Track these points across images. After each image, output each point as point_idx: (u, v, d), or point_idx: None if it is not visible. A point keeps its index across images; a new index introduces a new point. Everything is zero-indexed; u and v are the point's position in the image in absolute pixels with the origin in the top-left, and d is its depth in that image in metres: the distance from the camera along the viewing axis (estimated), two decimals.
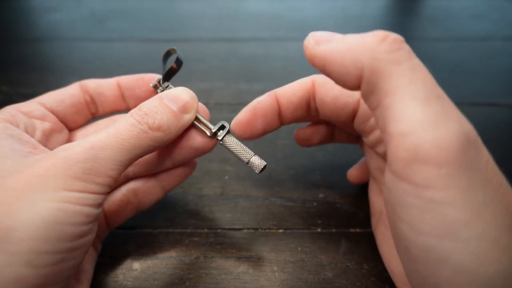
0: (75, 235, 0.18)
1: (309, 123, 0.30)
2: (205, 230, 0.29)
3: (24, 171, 0.18)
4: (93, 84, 0.27)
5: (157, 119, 0.21)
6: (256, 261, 0.27)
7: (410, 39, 0.62)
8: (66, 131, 0.26)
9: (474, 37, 0.56)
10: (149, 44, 0.54)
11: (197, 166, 0.28)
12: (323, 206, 0.31)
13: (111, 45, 0.54)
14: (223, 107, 0.42)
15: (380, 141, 0.25)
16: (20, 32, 0.58)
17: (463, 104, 0.42)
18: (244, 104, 0.26)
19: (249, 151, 0.24)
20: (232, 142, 0.24)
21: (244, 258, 0.27)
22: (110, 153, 0.19)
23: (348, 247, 0.28)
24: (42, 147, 0.22)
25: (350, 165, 0.32)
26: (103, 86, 0.27)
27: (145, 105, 0.22)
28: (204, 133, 0.24)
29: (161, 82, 0.25)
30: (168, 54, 0.25)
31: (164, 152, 0.25)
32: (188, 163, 0.27)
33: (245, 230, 0.29)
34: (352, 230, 0.29)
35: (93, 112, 0.27)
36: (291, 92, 0.26)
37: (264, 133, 0.26)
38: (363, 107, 0.25)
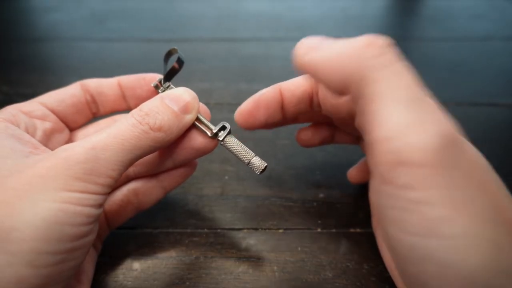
0: (76, 235, 0.18)
1: (310, 123, 0.30)
2: (205, 230, 0.29)
3: (25, 171, 0.18)
4: (94, 84, 0.27)
5: (158, 120, 0.21)
6: (256, 261, 0.27)
7: (410, 39, 0.62)
8: (67, 131, 0.26)
9: (474, 37, 0.56)
10: (149, 44, 0.54)
11: (197, 166, 0.28)
12: (323, 206, 0.31)
13: (111, 45, 0.54)
14: (223, 107, 0.42)
15: None
16: (20, 32, 0.58)
17: (463, 104, 0.42)
18: None
19: (250, 152, 0.24)
20: (233, 143, 0.24)
21: (244, 258, 0.27)
22: (111, 154, 0.19)
23: (348, 247, 0.28)
24: (43, 147, 0.22)
25: (350, 165, 0.32)
26: (104, 86, 0.27)
27: (146, 106, 0.22)
28: (205, 133, 0.24)
29: (162, 82, 0.25)
30: (169, 54, 0.25)
31: (165, 153, 0.25)
32: (189, 163, 0.27)
33: (245, 230, 0.29)
34: (352, 230, 0.29)
35: (94, 112, 0.27)
36: (295, 85, 0.26)
37: (265, 124, 0.27)
38: None
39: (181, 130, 0.23)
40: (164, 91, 0.25)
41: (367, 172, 0.30)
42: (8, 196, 0.17)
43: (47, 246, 0.17)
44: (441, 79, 0.47)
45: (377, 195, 0.18)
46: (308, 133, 0.30)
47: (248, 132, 0.28)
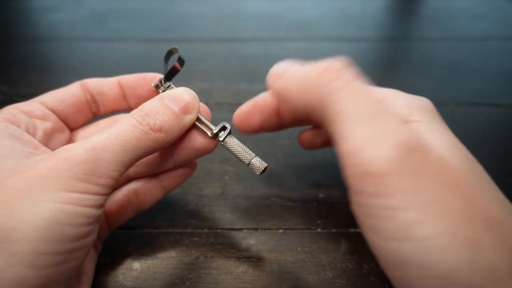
0: (76, 236, 0.18)
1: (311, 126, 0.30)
2: (205, 230, 0.29)
3: (26, 171, 0.18)
4: (94, 84, 0.26)
5: (159, 120, 0.21)
6: (256, 261, 0.27)
7: (410, 39, 0.62)
8: (67, 131, 0.26)
9: (474, 37, 0.56)
10: (149, 44, 0.54)
11: (197, 166, 0.28)
12: (323, 206, 0.31)
13: (111, 45, 0.54)
14: (223, 107, 0.42)
15: None
16: (20, 32, 0.58)
17: (463, 104, 0.42)
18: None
19: (250, 152, 0.24)
20: (233, 144, 0.24)
21: (244, 258, 0.27)
22: (112, 154, 0.19)
23: (348, 247, 0.28)
24: (44, 147, 0.22)
25: None
26: (104, 86, 0.27)
27: (146, 106, 0.22)
28: (205, 134, 0.24)
29: (162, 81, 0.25)
30: (170, 53, 0.25)
31: (165, 153, 0.25)
32: (189, 163, 0.27)
33: (245, 230, 0.29)
34: (352, 230, 0.29)
35: (94, 112, 0.27)
36: None
37: (261, 128, 0.27)
38: None
39: (182, 130, 0.23)
40: (164, 91, 0.25)
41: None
42: (9, 196, 0.17)
43: (48, 246, 0.17)
44: (441, 79, 0.47)
45: (354, 206, 0.20)
46: (309, 135, 0.30)
47: None
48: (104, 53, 0.52)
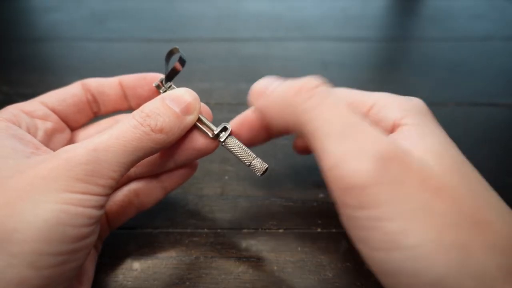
0: (77, 236, 0.18)
1: None
2: (205, 230, 0.29)
3: (27, 172, 0.18)
4: (95, 83, 0.26)
5: (159, 121, 0.21)
6: (256, 261, 0.27)
7: (410, 39, 0.62)
8: (68, 131, 0.26)
9: (474, 37, 0.56)
10: (149, 44, 0.54)
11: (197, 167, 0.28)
12: (323, 206, 0.31)
13: (111, 45, 0.54)
14: (223, 107, 0.42)
15: None
16: (20, 32, 0.58)
17: (463, 104, 0.42)
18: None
19: (251, 153, 0.24)
20: (234, 144, 0.24)
21: (244, 258, 0.27)
22: (113, 155, 0.19)
23: (348, 247, 0.28)
24: (44, 148, 0.22)
25: None
26: (105, 85, 0.26)
27: (147, 107, 0.22)
28: (206, 134, 0.24)
29: (163, 82, 0.25)
30: (171, 53, 0.25)
31: (166, 153, 0.25)
32: (190, 164, 0.27)
33: (245, 230, 0.29)
34: None
35: (95, 111, 0.27)
36: None
37: (251, 143, 0.28)
38: None
39: (183, 131, 0.23)
40: (165, 91, 0.25)
41: None
42: (10, 197, 0.17)
43: (49, 247, 0.17)
44: (441, 79, 0.47)
45: (342, 218, 0.20)
46: (300, 142, 0.30)
47: None
48: (104, 53, 0.52)
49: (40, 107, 0.24)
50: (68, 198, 0.18)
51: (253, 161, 0.24)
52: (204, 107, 0.25)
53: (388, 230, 0.17)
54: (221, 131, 0.24)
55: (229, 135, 0.24)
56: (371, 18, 0.62)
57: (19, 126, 0.22)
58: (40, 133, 0.23)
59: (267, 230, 0.29)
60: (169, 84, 0.25)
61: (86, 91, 0.26)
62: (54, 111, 0.25)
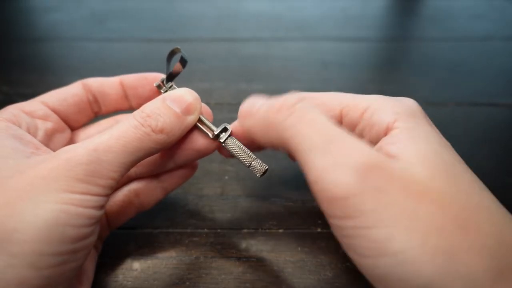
0: (77, 237, 0.18)
1: None
2: (205, 230, 0.29)
3: (27, 172, 0.18)
4: (96, 83, 0.26)
5: (160, 122, 0.21)
6: (256, 261, 0.27)
7: (410, 39, 0.62)
8: (68, 131, 0.26)
9: (474, 37, 0.56)
10: (149, 44, 0.54)
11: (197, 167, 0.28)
12: None
13: (111, 45, 0.54)
14: (223, 107, 0.42)
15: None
16: (20, 32, 0.58)
17: (463, 104, 0.42)
18: None
19: (251, 154, 0.24)
20: (234, 145, 0.24)
21: (244, 258, 0.27)
22: (113, 156, 0.19)
23: None
24: (45, 148, 0.22)
25: None
26: (106, 85, 0.26)
27: (148, 107, 0.22)
28: (206, 135, 0.24)
29: (164, 82, 0.25)
30: (172, 53, 0.25)
31: (166, 154, 0.25)
32: (190, 164, 0.27)
33: (245, 230, 0.29)
34: None
35: (95, 111, 0.27)
36: None
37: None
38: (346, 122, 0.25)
39: (183, 131, 0.23)
40: (166, 91, 0.25)
41: None
42: (10, 197, 0.17)
43: (49, 247, 0.17)
44: (441, 79, 0.47)
45: (331, 228, 0.20)
46: None
47: None
48: (104, 53, 0.52)
49: (41, 107, 0.24)
50: (68, 198, 0.18)
51: (253, 162, 0.24)
52: (205, 108, 0.25)
53: (374, 238, 0.17)
54: (221, 132, 0.24)
55: (229, 135, 0.24)
56: (371, 18, 0.62)
57: (19, 126, 0.22)
58: (40, 133, 0.23)
59: (267, 230, 0.29)
60: (170, 84, 0.25)
61: (86, 91, 0.26)
62: (54, 111, 0.25)
